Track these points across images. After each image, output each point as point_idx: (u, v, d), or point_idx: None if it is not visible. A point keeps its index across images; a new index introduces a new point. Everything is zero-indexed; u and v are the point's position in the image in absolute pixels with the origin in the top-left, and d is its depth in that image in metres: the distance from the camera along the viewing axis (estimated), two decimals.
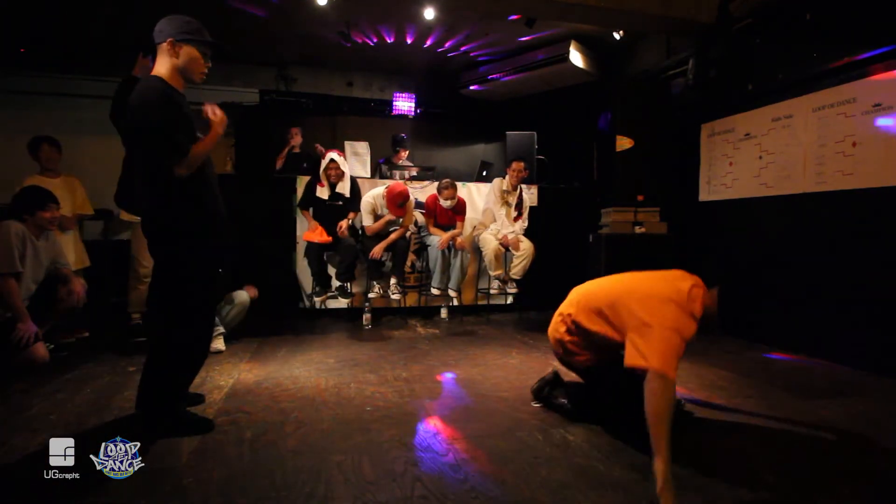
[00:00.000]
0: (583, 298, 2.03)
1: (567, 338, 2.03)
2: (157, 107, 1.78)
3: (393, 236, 3.98)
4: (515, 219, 4.32)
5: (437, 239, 4.11)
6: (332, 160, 3.95)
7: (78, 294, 3.08)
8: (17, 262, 2.70)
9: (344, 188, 4.01)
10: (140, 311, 3.60)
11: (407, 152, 5.12)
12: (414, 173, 4.63)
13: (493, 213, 4.29)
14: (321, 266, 3.91)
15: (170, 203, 1.82)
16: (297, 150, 4.91)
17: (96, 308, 3.65)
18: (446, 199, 4.15)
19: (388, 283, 4.00)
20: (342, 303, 4.17)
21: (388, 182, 4.34)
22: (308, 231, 3.90)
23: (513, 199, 4.33)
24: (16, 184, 3.37)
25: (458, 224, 4.25)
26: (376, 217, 4.00)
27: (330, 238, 3.84)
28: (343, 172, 3.98)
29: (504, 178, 4.31)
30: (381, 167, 4.80)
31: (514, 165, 4.26)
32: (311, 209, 4.05)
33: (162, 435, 1.86)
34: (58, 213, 2.97)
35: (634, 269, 4.26)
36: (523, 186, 4.41)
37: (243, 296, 3.49)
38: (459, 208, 4.26)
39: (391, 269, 4.01)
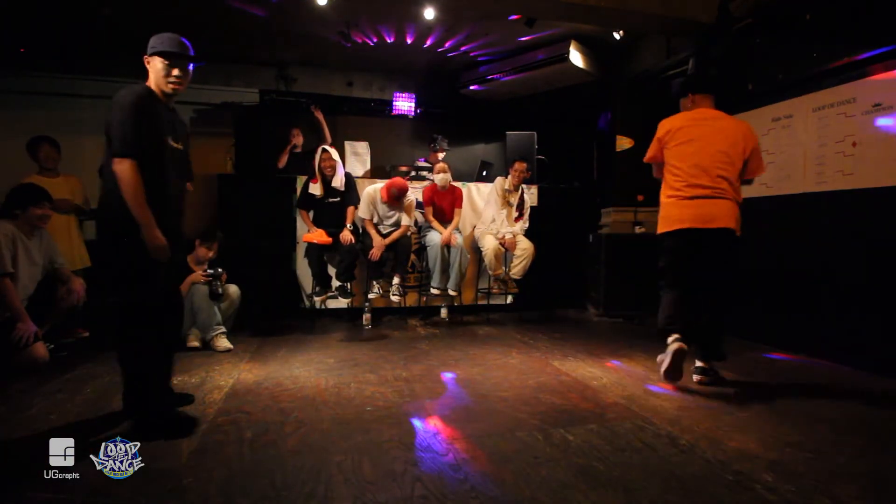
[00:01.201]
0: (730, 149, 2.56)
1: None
2: (124, 105, 1.86)
3: (395, 235, 3.99)
4: (516, 219, 4.32)
5: (436, 238, 4.10)
6: (324, 150, 4.00)
7: (77, 293, 3.09)
8: (7, 263, 2.71)
9: (338, 182, 4.02)
10: None
11: (444, 153, 5.04)
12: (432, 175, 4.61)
13: (492, 212, 4.29)
14: (321, 266, 3.92)
15: (116, 196, 1.86)
16: (298, 150, 4.91)
17: (96, 308, 3.65)
18: (439, 173, 4.20)
19: (390, 283, 4.00)
20: (342, 303, 4.17)
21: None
22: (307, 234, 3.91)
23: (514, 200, 4.33)
24: (15, 184, 3.37)
25: (456, 212, 4.29)
26: (372, 211, 4.04)
27: (330, 239, 3.84)
28: (336, 163, 4.00)
29: (506, 177, 4.31)
30: (417, 165, 4.88)
31: (517, 166, 4.25)
32: (309, 209, 4.06)
33: (150, 437, 1.84)
34: (50, 210, 2.97)
35: (633, 269, 4.42)
36: (524, 187, 4.41)
37: (234, 289, 3.50)
38: (457, 195, 4.33)
39: (394, 268, 4.00)
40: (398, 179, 4.02)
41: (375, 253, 3.86)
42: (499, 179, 4.30)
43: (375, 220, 4.08)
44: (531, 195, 4.74)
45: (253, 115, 5.40)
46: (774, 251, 3.52)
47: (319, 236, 3.83)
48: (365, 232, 4.05)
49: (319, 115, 4.91)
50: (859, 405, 2.28)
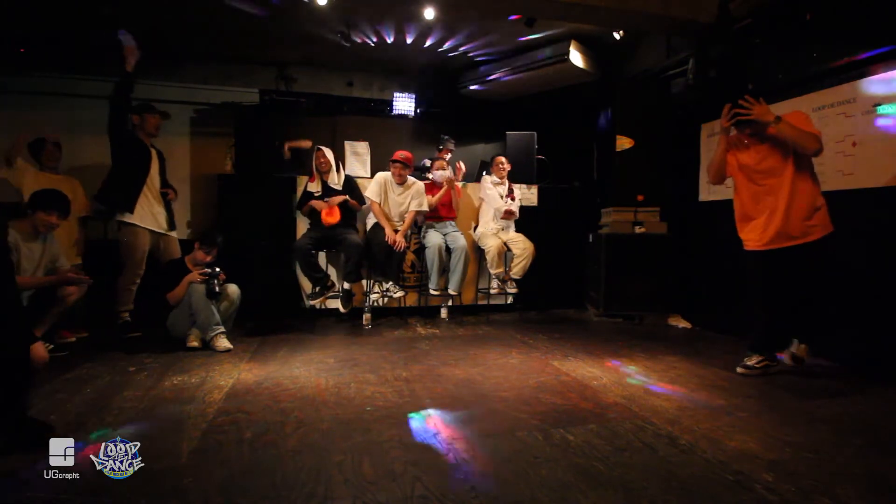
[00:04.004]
0: None
1: None
2: None
3: (405, 224, 4.06)
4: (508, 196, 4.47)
5: (434, 239, 4.11)
6: (318, 148, 4.07)
7: (74, 295, 3.09)
8: None
9: (334, 180, 4.05)
10: (129, 308, 3.58)
11: (451, 153, 4.99)
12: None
13: (492, 205, 4.38)
14: (310, 266, 3.89)
15: None
16: (288, 157, 4.84)
17: (96, 308, 3.65)
18: (438, 170, 4.29)
19: (386, 283, 4.01)
20: (342, 305, 4.15)
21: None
22: (324, 213, 3.97)
23: (504, 191, 4.44)
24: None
25: (455, 202, 4.39)
26: (381, 195, 4.12)
27: (339, 217, 3.94)
28: (330, 161, 4.04)
29: (490, 174, 4.50)
30: (424, 166, 4.97)
31: (497, 160, 4.48)
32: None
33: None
34: (57, 220, 2.97)
35: (633, 269, 4.41)
36: (515, 185, 4.54)
37: (233, 288, 3.49)
38: (456, 189, 4.42)
39: (388, 272, 4.00)
40: (403, 152, 4.16)
41: (397, 239, 3.89)
42: (485, 176, 4.52)
43: (385, 209, 4.12)
44: (531, 195, 4.76)
45: (253, 115, 5.39)
46: None
47: (331, 214, 3.94)
48: (370, 229, 4.05)
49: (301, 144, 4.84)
50: (859, 405, 2.28)
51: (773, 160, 2.68)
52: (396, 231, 3.97)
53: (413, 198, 4.12)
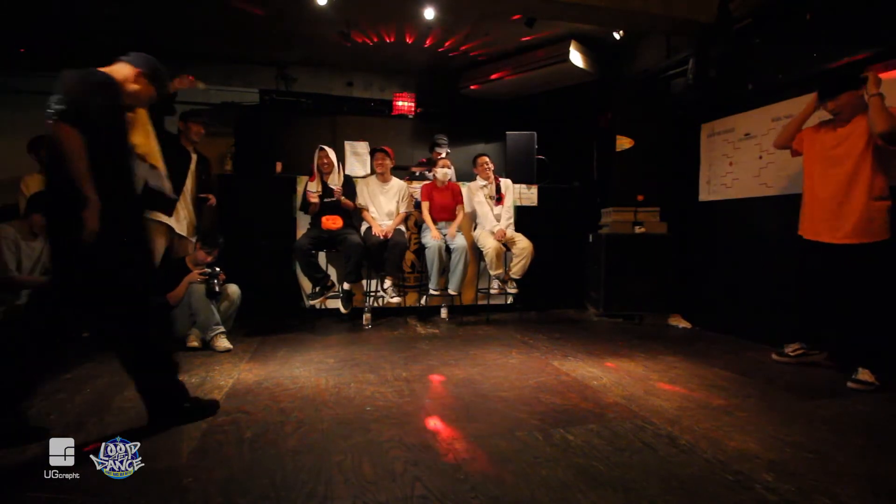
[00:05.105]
0: None
1: None
2: None
3: (393, 224, 4.15)
4: (497, 203, 4.44)
5: (435, 241, 4.10)
6: (321, 148, 4.08)
7: None
8: (8, 267, 2.78)
9: (334, 180, 4.06)
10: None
11: (445, 152, 4.95)
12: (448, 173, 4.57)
13: (481, 219, 4.40)
14: (311, 267, 3.89)
15: None
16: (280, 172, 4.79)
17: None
18: (441, 168, 4.31)
19: (386, 282, 4.01)
20: (341, 306, 4.15)
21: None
22: (324, 219, 4.01)
23: (492, 192, 4.44)
24: (17, 183, 3.40)
25: (459, 208, 4.38)
26: (366, 198, 4.26)
27: (341, 222, 3.99)
28: (332, 161, 4.06)
29: (475, 179, 4.49)
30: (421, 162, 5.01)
31: (479, 160, 4.47)
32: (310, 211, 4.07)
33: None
34: None
35: (633, 269, 4.38)
36: (507, 182, 4.53)
37: (234, 288, 3.49)
38: (456, 191, 4.42)
39: (387, 269, 4.01)
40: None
41: (389, 231, 4.01)
42: (469, 184, 4.50)
43: (373, 213, 4.20)
44: (532, 194, 4.75)
45: (253, 115, 5.39)
46: (775, 251, 3.51)
47: (334, 221, 3.97)
48: (365, 232, 4.06)
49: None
50: (859, 405, 2.28)
51: (846, 147, 2.59)
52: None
53: (399, 199, 4.29)
